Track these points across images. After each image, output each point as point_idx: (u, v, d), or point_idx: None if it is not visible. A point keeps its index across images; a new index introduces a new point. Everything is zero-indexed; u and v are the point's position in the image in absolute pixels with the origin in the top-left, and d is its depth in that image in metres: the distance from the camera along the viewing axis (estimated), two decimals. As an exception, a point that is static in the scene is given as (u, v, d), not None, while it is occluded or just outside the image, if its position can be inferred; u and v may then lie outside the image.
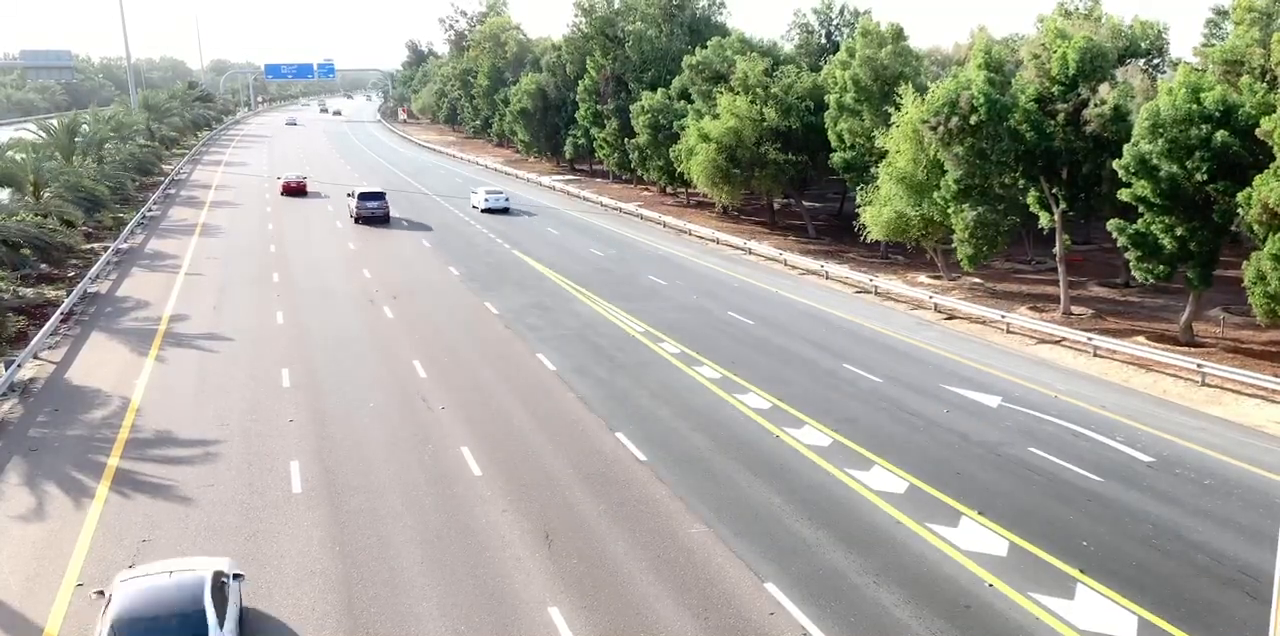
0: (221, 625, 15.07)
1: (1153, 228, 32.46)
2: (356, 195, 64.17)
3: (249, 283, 44.85)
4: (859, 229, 46.42)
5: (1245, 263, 30.12)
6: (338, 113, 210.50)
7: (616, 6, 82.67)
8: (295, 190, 77.06)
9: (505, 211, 68.25)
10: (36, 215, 48.40)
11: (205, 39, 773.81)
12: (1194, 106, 30.87)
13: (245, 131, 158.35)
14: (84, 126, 74.40)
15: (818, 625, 16.57)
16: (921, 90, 42.30)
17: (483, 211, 68.30)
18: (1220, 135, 30.19)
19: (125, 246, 53.95)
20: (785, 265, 50.04)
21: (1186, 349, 33.01)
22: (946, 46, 77.36)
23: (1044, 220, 39.16)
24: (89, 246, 52.34)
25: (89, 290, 42.50)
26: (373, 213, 63.01)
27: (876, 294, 43.28)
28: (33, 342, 32.62)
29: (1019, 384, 30.30)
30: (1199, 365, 30.03)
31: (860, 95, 48.92)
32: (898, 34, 49.28)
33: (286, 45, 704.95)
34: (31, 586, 17.89)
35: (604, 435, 25.57)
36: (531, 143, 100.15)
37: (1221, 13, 46.91)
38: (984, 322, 38.03)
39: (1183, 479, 22.85)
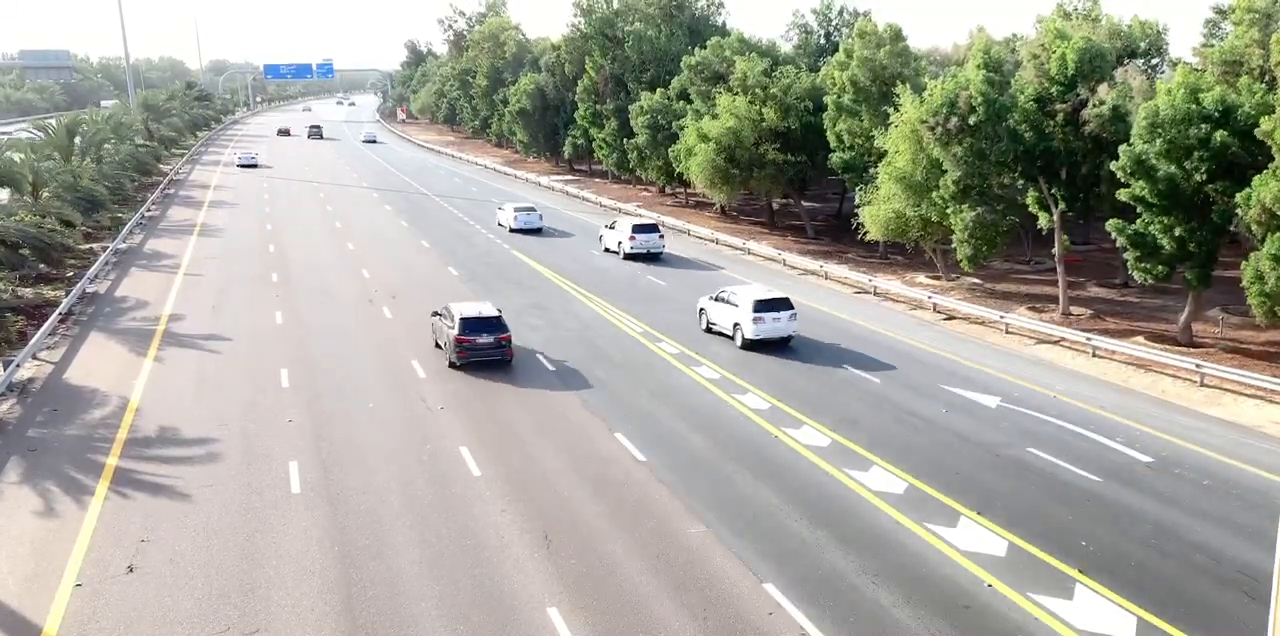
0: None
1: (1151, 228, 32.45)
2: (308, 126, 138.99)
3: (248, 282, 44.83)
4: (857, 228, 46.43)
5: (1244, 263, 30.08)
6: (352, 103, 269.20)
7: (616, 7, 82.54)
8: (283, 132, 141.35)
9: (374, 141, 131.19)
10: (35, 215, 48.41)
11: (204, 39, 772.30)
12: (1193, 106, 30.83)
13: (244, 131, 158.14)
14: (82, 126, 74.38)
15: (816, 625, 16.56)
16: (920, 90, 42.28)
17: (363, 142, 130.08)
18: (1219, 135, 30.14)
19: (124, 246, 53.93)
20: (784, 265, 50.03)
21: (1185, 349, 33.03)
22: (946, 47, 77.42)
23: (1043, 220, 39.17)
24: (87, 246, 52.34)
25: (87, 290, 42.48)
26: (315, 132, 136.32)
27: (875, 294, 43.28)
28: (31, 342, 32.60)
29: (1018, 384, 30.32)
30: (1198, 365, 30.04)
31: (858, 96, 48.90)
32: (895, 34, 49.24)
33: (286, 45, 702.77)
34: (30, 586, 17.87)
35: (603, 435, 25.57)
36: (530, 143, 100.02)
37: (1221, 13, 46.87)
38: (983, 323, 38.04)
39: (1182, 479, 22.86)
